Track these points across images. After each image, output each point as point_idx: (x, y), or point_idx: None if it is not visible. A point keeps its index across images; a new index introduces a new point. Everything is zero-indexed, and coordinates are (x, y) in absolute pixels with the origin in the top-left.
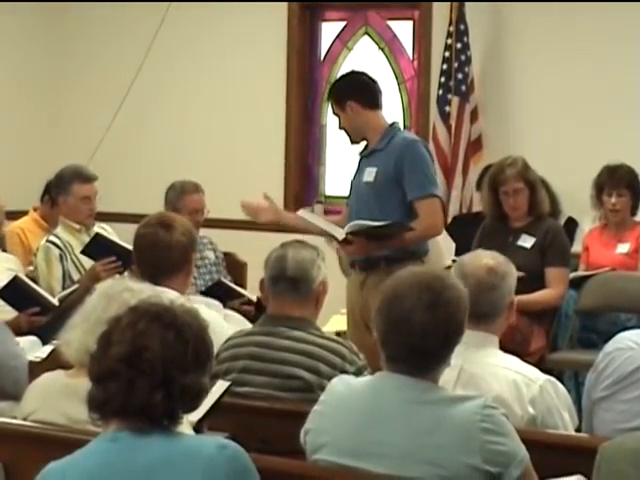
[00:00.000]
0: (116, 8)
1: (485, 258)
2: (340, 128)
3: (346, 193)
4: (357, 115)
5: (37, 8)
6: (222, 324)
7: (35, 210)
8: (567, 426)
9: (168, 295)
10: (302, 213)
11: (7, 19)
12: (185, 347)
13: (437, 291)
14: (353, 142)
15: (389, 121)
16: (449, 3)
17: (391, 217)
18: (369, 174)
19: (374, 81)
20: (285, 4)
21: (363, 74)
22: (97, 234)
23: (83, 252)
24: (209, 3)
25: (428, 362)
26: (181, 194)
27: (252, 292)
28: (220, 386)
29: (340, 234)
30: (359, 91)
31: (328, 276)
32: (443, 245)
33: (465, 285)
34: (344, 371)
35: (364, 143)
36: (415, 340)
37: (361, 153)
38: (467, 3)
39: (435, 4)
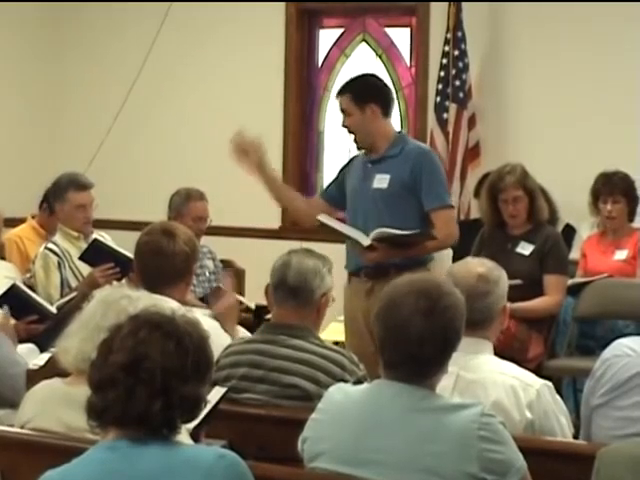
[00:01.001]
0: (115, 13)
1: (475, 265)
2: (344, 126)
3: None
4: (374, 119)
5: (37, 11)
6: (220, 333)
7: (33, 218)
8: (564, 429)
9: (168, 304)
10: (322, 217)
11: (7, 23)
12: (185, 357)
13: (434, 298)
14: (359, 146)
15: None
16: (447, 10)
17: (402, 224)
18: (380, 181)
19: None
20: (283, 11)
21: (382, 79)
22: (95, 240)
23: (81, 258)
24: (208, 10)
25: (426, 369)
26: (186, 201)
27: (250, 299)
28: (217, 392)
29: (365, 240)
30: (383, 97)
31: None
32: (445, 254)
33: None
34: (343, 381)
35: (356, 145)
36: (412, 347)
37: (366, 158)
38: (465, 10)
39: (433, 11)
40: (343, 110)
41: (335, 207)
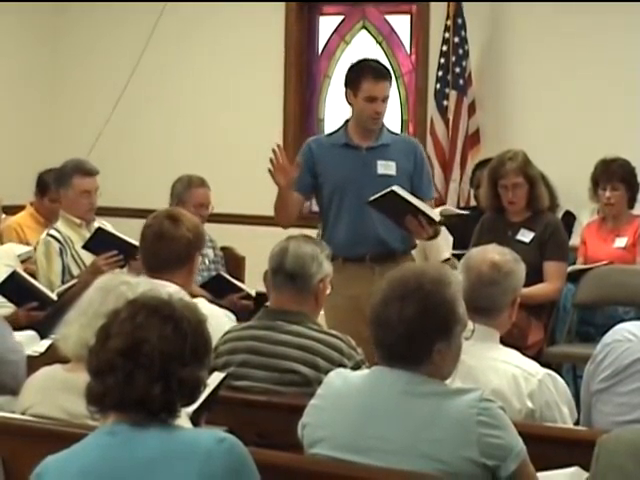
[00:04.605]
0: (114, 4)
1: (492, 253)
2: (379, 112)
3: None
4: None
5: (35, 5)
6: (219, 319)
7: (32, 205)
8: (566, 420)
9: (168, 289)
10: (397, 188)
11: (5, 16)
12: (183, 341)
13: (410, 285)
14: (370, 129)
15: None
16: None
17: None
18: (386, 167)
19: None
20: None
21: None
22: (99, 229)
23: (85, 247)
24: None
25: (410, 352)
26: (188, 188)
27: (250, 286)
28: (216, 377)
29: (436, 215)
30: None
31: None
32: (442, 239)
33: (467, 278)
34: (342, 365)
35: (329, 130)
36: (390, 335)
37: (351, 142)
38: None
39: None
40: (387, 97)
41: (308, 198)
